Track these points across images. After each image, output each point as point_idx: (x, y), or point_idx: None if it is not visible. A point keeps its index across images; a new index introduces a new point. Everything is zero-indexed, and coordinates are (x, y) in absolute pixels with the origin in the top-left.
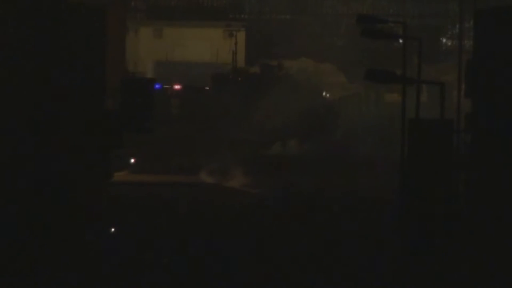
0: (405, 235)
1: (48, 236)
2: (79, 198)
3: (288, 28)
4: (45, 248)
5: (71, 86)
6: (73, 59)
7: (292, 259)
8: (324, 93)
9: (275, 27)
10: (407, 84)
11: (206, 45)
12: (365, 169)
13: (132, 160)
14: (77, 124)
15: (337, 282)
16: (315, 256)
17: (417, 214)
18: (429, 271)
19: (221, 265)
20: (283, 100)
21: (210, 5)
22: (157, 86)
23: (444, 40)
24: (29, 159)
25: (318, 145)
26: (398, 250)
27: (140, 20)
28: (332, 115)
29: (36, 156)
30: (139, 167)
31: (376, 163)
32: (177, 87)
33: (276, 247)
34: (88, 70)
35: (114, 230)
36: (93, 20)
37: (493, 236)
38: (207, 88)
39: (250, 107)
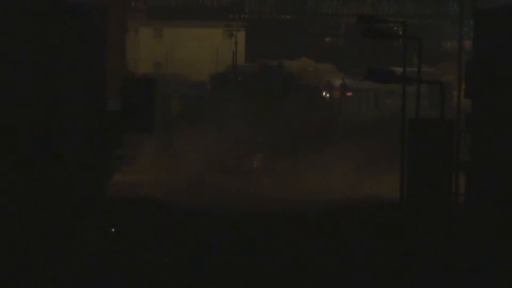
0: (406, 234)
1: (48, 236)
2: (79, 198)
3: (288, 28)
4: (45, 248)
5: (71, 86)
6: (73, 59)
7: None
8: (324, 93)
9: (275, 27)
10: (407, 84)
11: (206, 45)
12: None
13: (132, 160)
14: (77, 124)
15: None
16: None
17: (418, 214)
18: (429, 270)
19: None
20: (283, 100)
21: (210, 5)
22: None
23: (444, 40)
24: (29, 159)
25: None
26: (398, 248)
27: (140, 20)
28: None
29: (36, 156)
30: (139, 167)
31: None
32: None
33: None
34: (88, 70)
35: (114, 230)
36: (93, 20)
37: (492, 235)
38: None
39: (250, 108)
